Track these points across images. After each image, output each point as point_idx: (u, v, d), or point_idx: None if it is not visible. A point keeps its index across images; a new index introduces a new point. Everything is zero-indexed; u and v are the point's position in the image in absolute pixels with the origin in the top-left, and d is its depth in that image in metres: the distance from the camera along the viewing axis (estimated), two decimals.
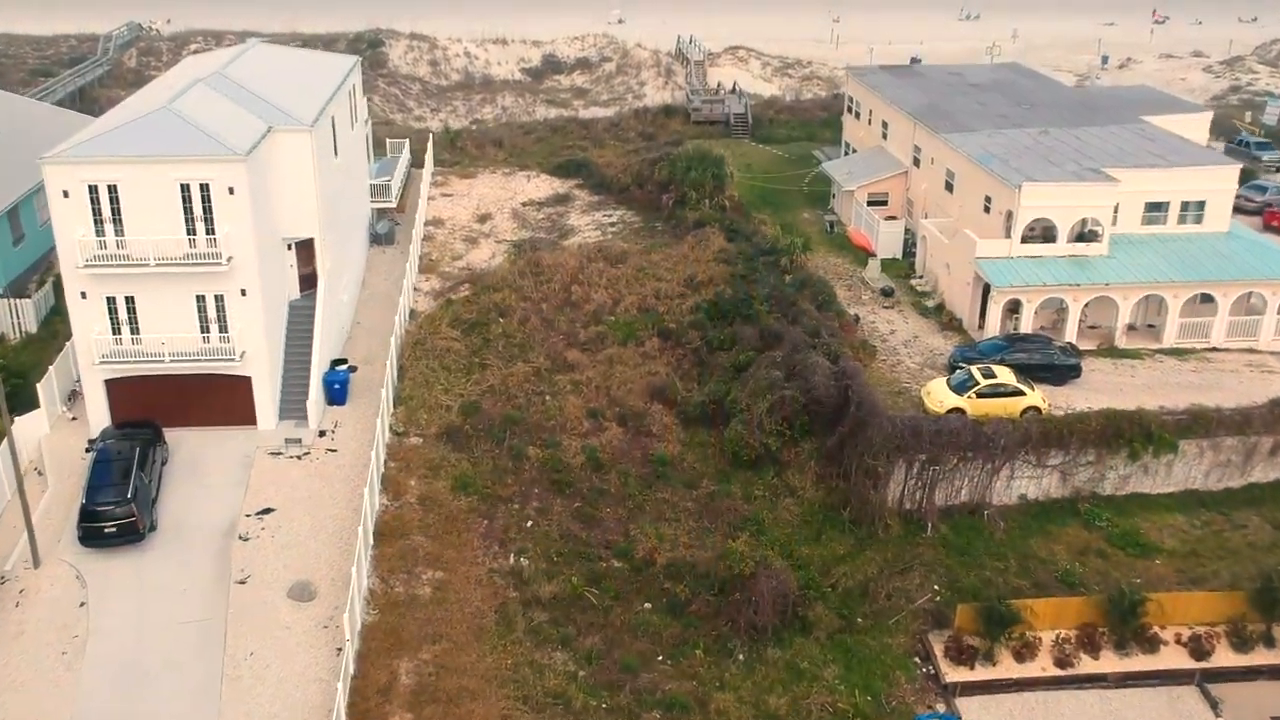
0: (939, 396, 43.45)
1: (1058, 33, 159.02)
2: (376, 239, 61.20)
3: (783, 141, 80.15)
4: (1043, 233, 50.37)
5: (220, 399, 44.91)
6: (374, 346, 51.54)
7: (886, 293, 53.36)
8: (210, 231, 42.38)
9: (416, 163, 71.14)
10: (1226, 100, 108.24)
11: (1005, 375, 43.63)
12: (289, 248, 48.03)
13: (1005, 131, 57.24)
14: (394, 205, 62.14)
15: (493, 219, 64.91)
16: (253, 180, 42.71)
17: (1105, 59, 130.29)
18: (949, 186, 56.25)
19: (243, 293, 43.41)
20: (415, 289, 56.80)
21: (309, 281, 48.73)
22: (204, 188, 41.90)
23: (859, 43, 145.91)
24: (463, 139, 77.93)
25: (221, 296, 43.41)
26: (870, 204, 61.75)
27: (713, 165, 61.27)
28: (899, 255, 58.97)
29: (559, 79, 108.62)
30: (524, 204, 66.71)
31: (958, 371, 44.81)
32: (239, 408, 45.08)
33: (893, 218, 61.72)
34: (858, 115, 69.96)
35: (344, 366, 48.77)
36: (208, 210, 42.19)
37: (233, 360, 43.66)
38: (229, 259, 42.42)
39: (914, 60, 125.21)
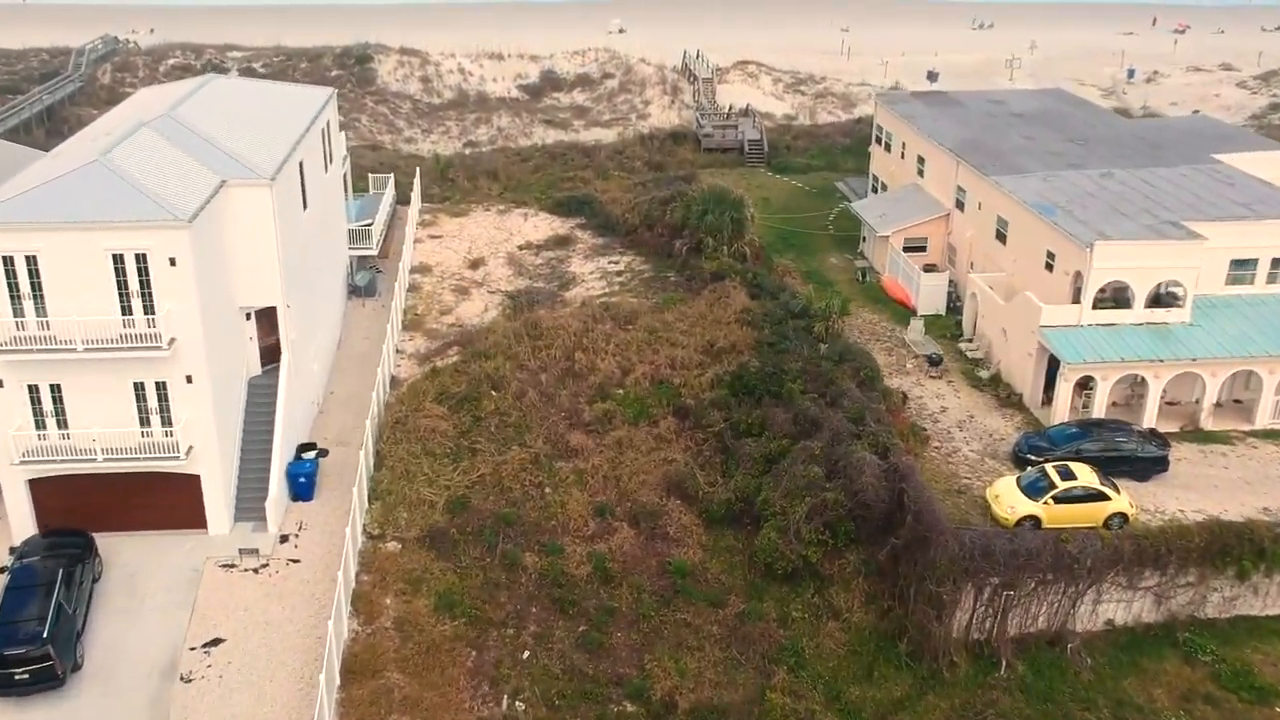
0: (1009, 500, 36.74)
1: (1075, 43, 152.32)
2: (355, 291, 54.52)
3: (801, 171, 73.45)
4: (1113, 294, 43.67)
5: (164, 500, 38.20)
6: (348, 422, 44.89)
7: (934, 361, 46.65)
8: (149, 309, 35.65)
9: (403, 198, 64.46)
10: (1268, 119, 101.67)
11: (1086, 475, 36.93)
12: (248, 317, 41.34)
13: (1063, 174, 50.51)
14: (375, 253, 55.39)
15: (486, 265, 58.20)
16: (200, 247, 35.99)
17: (1131, 72, 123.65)
18: (1001, 236, 49.55)
19: (188, 379, 36.69)
20: (398, 350, 50.13)
21: (272, 354, 42.04)
22: (140, 258, 35.18)
23: (870, 54, 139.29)
24: (454, 170, 71.15)
25: (163, 384, 36.69)
26: (906, 250, 55.07)
27: (732, 208, 54.56)
28: (942, 311, 52.29)
29: (558, 96, 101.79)
30: (521, 247, 60.01)
31: (1029, 470, 38.10)
32: (186, 510, 38.37)
33: (932, 266, 55.02)
34: (888, 147, 63.25)
35: (312, 454, 42.05)
36: (145, 284, 35.47)
37: (177, 458, 36.94)
38: (171, 341, 35.71)
39: (931, 75, 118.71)
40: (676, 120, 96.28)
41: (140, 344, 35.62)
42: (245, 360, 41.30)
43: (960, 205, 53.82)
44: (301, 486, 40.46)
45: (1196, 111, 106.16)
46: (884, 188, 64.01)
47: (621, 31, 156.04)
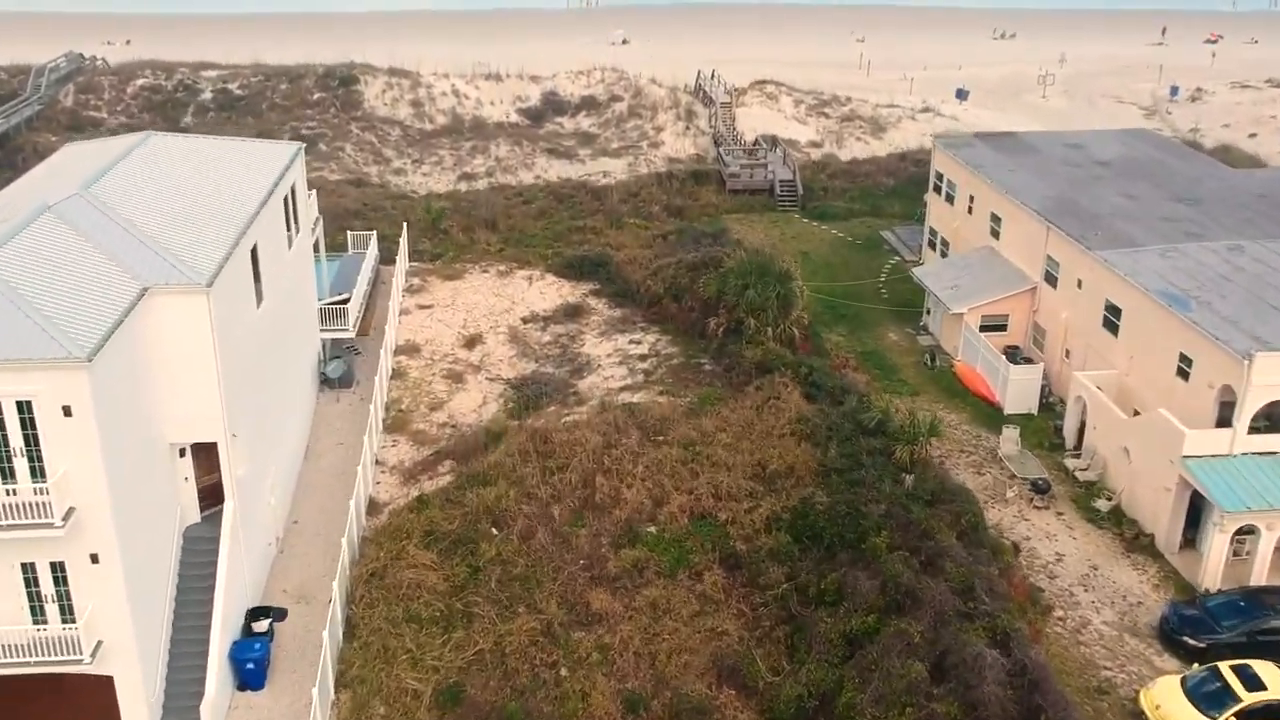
0: (1175, 714, 27.70)
1: (1104, 55, 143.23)
2: (328, 382, 45.36)
3: (841, 217, 64.40)
4: (1264, 412, 34.67)
5: (67, 707, 29.13)
6: (314, 565, 35.92)
7: (1040, 489, 37.55)
8: (39, 473, 26.53)
9: (388, 255, 55.35)
10: None
11: (1277, 682, 27.91)
12: (181, 453, 32.21)
13: (1182, 247, 41.45)
14: (352, 334, 46.22)
15: (484, 343, 49.07)
16: (108, 385, 26.88)
17: (1175, 90, 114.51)
18: (1111, 325, 40.49)
19: (93, 558, 27.57)
20: (377, 461, 41.02)
21: (214, 494, 32.92)
22: (24, 406, 26.05)
23: (890, 68, 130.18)
24: (447, 218, 61.88)
25: (61, 564, 27.57)
26: (984, 329, 46.03)
27: (777, 282, 45.38)
28: (1034, 410, 43.24)
29: (561, 121, 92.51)
30: (525, 320, 50.89)
31: (1197, 671, 29.08)
32: (97, 718, 29.29)
33: (1014, 348, 46.01)
34: (950, 198, 54.17)
35: (264, 623, 32.93)
36: (32, 440, 26.34)
37: (81, 659, 27.81)
38: (68, 513, 26.59)
39: (960, 94, 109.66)
40: (692, 148, 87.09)
41: (25, 518, 26.49)
42: (178, 509, 32.15)
43: (1051, 279, 44.74)
44: (250, 674, 31.40)
45: (1253, 135, 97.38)
46: (944, 244, 54.97)
47: (625, 42, 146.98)
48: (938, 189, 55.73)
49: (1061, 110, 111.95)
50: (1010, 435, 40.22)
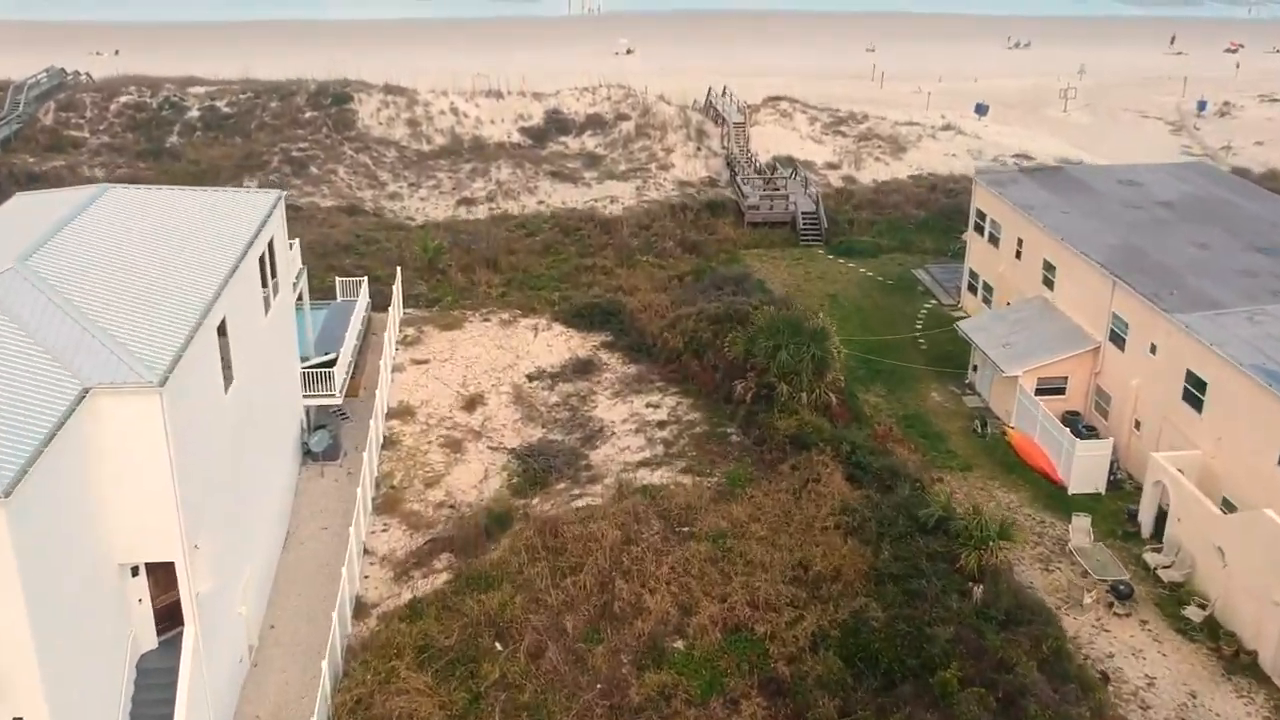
0: None
1: (1123, 64, 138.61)
2: (311, 455, 40.59)
3: (869, 254, 59.64)
4: None
5: None
6: (291, 685, 31.15)
7: (1121, 593, 32.74)
8: None
9: (381, 300, 50.61)
10: None
11: None
12: (134, 572, 27.45)
13: (1273, 310, 36.72)
14: (339, 400, 41.44)
15: (485, 404, 44.29)
16: (36, 515, 22.15)
17: (1203, 104, 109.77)
18: (1193, 400, 35.75)
19: None
20: (366, 550, 36.28)
21: (171, 616, 28.17)
22: None
23: (904, 80, 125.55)
24: (444, 257, 57.04)
25: None
26: (1040, 392, 41.31)
27: (811, 341, 40.56)
28: (1102, 489, 38.49)
29: (565, 141, 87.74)
30: (531, 377, 46.10)
31: None
32: None
33: (1074, 414, 41.34)
34: (994, 240, 49.43)
35: None
36: None
37: None
38: None
39: (980, 109, 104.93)
40: (703, 170, 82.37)
41: None
42: (130, 636, 27.37)
43: (1118, 340, 39.98)
44: None
45: None
46: (987, 289, 50.23)
47: (629, 52, 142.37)
48: (979, 228, 50.97)
49: (1084, 126, 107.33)
50: (1081, 525, 35.45)
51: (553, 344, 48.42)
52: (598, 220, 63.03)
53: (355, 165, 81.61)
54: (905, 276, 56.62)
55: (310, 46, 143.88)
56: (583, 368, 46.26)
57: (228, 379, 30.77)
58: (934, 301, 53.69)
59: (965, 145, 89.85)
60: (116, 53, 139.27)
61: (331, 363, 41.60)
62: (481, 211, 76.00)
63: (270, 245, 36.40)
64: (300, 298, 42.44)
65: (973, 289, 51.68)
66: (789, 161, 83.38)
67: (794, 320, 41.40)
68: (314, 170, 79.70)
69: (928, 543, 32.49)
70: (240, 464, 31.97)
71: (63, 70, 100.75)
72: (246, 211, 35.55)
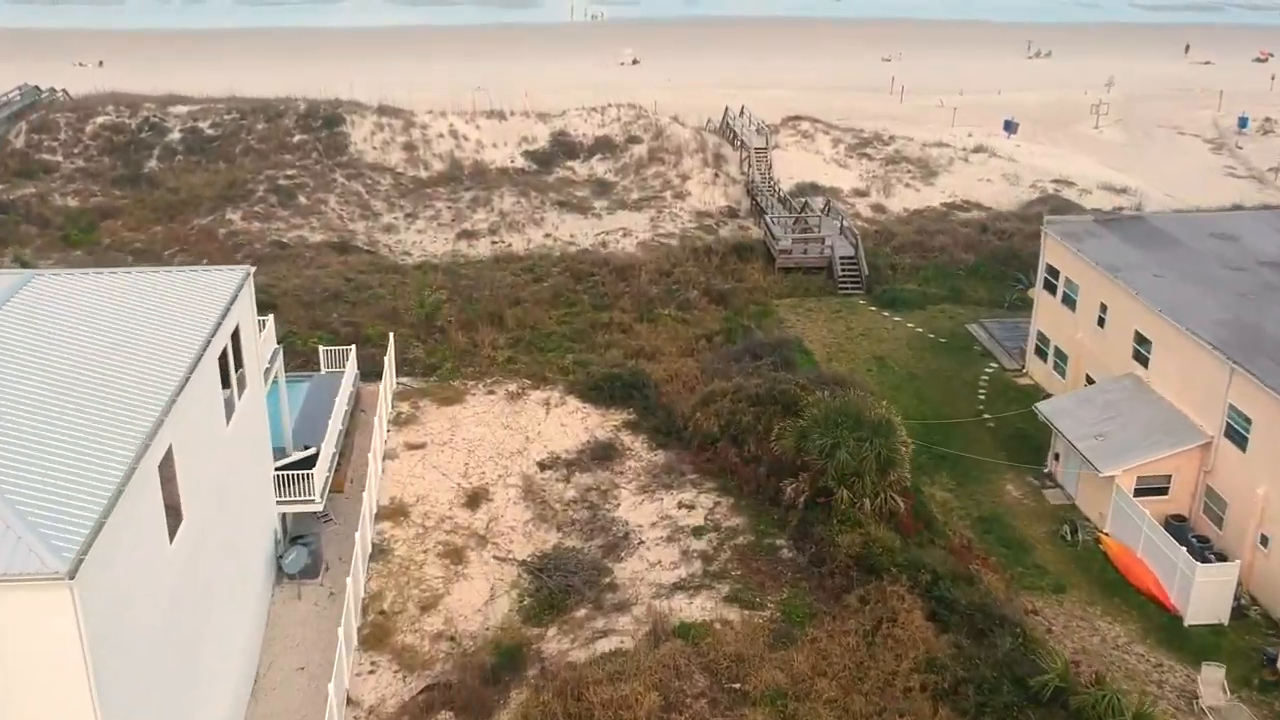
0: None
1: (1150, 76, 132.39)
2: (286, 574, 34.30)
3: (916, 305, 53.38)
4: None
5: None
6: None
7: None
8: None
9: (371, 368, 44.34)
10: None
11: None
12: None
13: None
14: (319, 505, 35.12)
15: (491, 499, 38.01)
16: None
17: (1244, 121, 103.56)
18: None
19: None
20: (351, 701, 30.03)
21: None
22: None
23: (924, 92, 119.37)
24: (443, 311, 50.68)
25: None
26: (1140, 493, 35.10)
27: (875, 436, 34.26)
28: (1225, 619, 32.29)
29: (573, 166, 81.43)
30: (542, 464, 39.80)
31: None
32: None
33: (1179, 520, 35.16)
34: (1069, 302, 43.19)
35: None
36: None
37: None
38: None
39: (1009, 126, 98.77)
40: (722, 199, 76.15)
41: None
42: None
43: (1237, 437, 33.75)
44: None
45: None
46: (1060, 356, 44.02)
47: (635, 63, 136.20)
48: (1050, 286, 44.71)
49: (1119, 144, 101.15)
50: (1214, 677, 29.22)
51: (567, 423, 42.11)
52: (612, 266, 56.65)
53: (347, 194, 75.37)
54: (959, 333, 50.37)
55: (301, 56, 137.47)
56: (603, 453, 39.99)
57: (174, 523, 24.50)
58: (995, 365, 47.46)
59: (1000, 169, 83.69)
60: (100, 64, 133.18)
61: (311, 460, 35.33)
62: (483, 246, 69.88)
63: (235, 336, 30.10)
64: (275, 380, 36.12)
65: (1041, 354, 45.45)
66: (813, 189, 77.23)
67: (853, 410, 35.08)
68: (302, 200, 73.46)
69: (1029, 706, 26.19)
70: (192, 614, 25.72)
71: (36, 88, 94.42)
72: (204, 300, 29.22)
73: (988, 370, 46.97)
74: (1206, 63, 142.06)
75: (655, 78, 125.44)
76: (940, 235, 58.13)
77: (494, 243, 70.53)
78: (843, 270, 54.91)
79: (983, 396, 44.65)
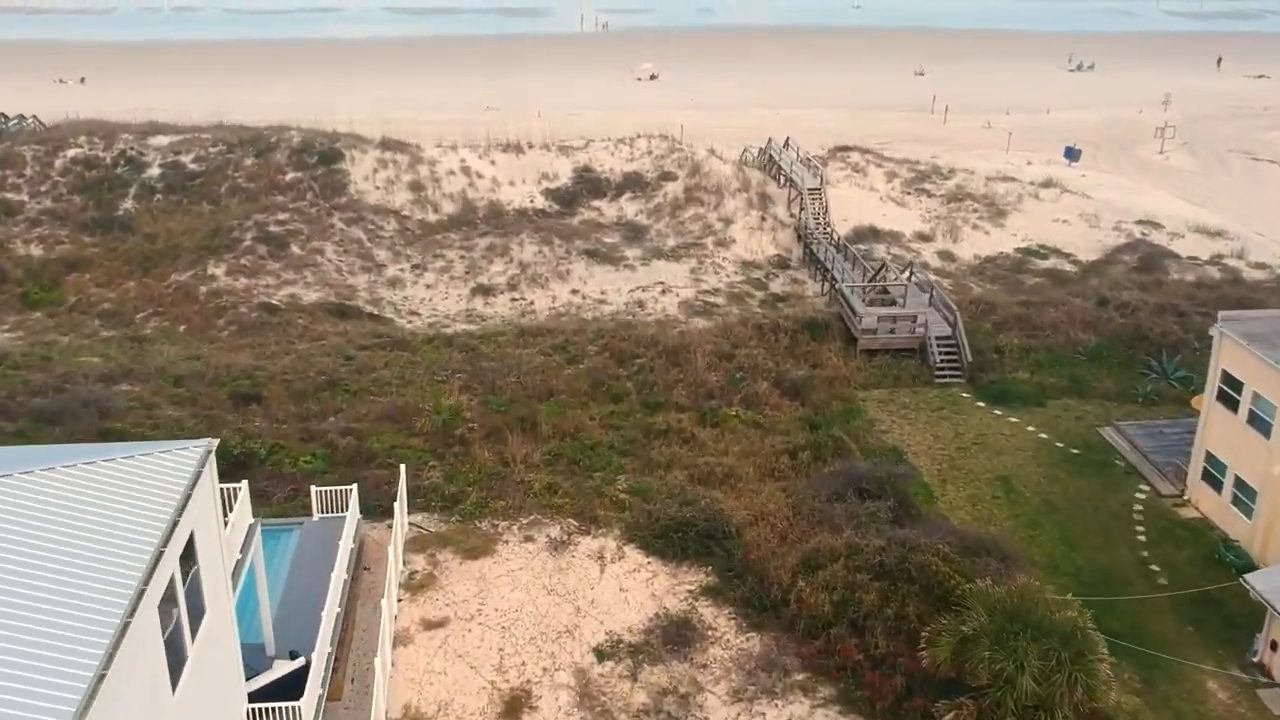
0: None
1: (1202, 90, 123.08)
2: None
3: (1031, 400, 43.88)
4: None
5: None
6: None
7: None
8: None
9: (375, 503, 34.94)
10: None
11: None
12: None
13: None
14: None
15: (536, 708, 28.51)
16: None
17: None
18: None
19: None
20: None
21: None
22: None
23: (968, 112, 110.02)
24: (463, 418, 41.07)
25: None
26: None
27: (1066, 650, 24.84)
28: None
29: (600, 207, 71.99)
30: (600, 651, 30.30)
31: None
32: None
33: None
34: (1260, 424, 33.71)
35: None
36: None
37: None
38: None
39: (1070, 153, 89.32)
40: (771, 247, 66.85)
41: None
42: None
43: None
44: None
45: None
46: (1240, 487, 34.60)
47: (654, 78, 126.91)
48: (1227, 399, 35.27)
49: (1190, 172, 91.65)
50: None
51: (628, 586, 32.61)
52: (661, 346, 47.09)
53: (346, 242, 65.92)
54: (1093, 441, 40.90)
55: (298, 70, 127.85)
56: (678, 635, 30.52)
57: None
58: (1146, 488, 38.03)
59: (1075, 207, 74.34)
60: (82, 80, 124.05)
61: (299, 679, 25.86)
62: (502, 304, 60.66)
63: (190, 545, 20.63)
64: (253, 572, 26.61)
65: (1212, 481, 36.04)
66: (872, 233, 67.83)
67: (1032, 612, 25.61)
68: (295, 250, 64.03)
69: None
70: None
71: (4, 116, 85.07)
72: (147, 502, 19.73)
73: (1139, 495, 37.55)
74: (1261, 76, 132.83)
75: (677, 96, 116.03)
76: (1048, 308, 48.54)
77: (514, 299, 61.34)
78: (941, 355, 45.41)
79: (1142, 537, 35.23)
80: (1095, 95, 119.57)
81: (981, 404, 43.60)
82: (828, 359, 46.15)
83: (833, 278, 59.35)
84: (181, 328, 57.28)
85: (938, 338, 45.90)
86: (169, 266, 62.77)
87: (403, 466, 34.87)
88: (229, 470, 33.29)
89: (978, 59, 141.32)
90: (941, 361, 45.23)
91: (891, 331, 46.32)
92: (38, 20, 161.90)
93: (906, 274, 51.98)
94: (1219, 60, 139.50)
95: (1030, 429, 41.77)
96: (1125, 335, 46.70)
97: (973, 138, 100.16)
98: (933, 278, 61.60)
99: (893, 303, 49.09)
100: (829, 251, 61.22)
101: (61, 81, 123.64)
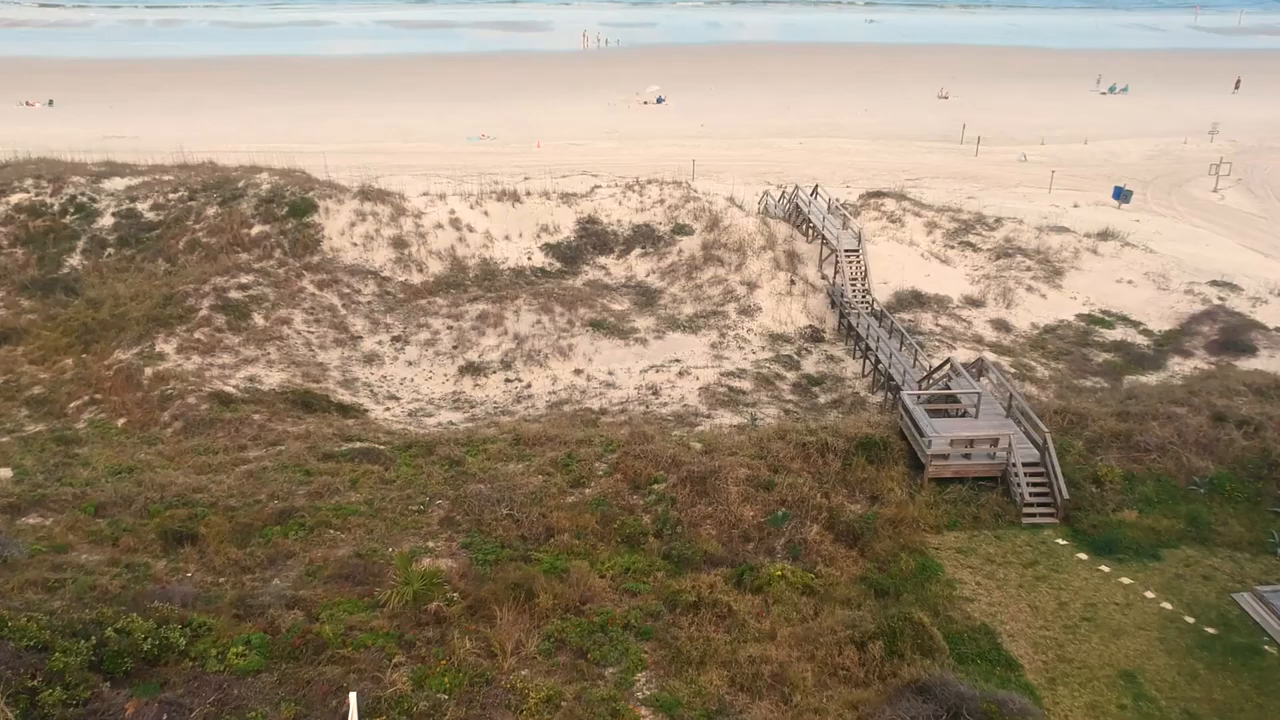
0: None
1: (1248, 119, 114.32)
2: None
3: (1144, 550, 35.04)
4: None
5: None
6: None
7: None
8: None
9: None
10: None
11: None
12: None
13: None
14: None
15: None
16: None
17: None
18: None
19: None
20: None
21: None
22: None
23: (999, 141, 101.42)
24: (441, 589, 32.33)
25: None
26: None
27: None
28: None
29: (606, 265, 63.34)
30: None
31: None
32: None
33: None
34: None
35: None
36: None
37: None
38: None
39: (1121, 194, 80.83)
40: (801, 315, 58.22)
41: None
42: None
43: None
44: None
45: None
46: None
47: (660, 101, 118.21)
48: None
49: (1251, 214, 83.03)
50: None
51: None
52: (685, 472, 38.33)
53: (317, 309, 57.30)
54: (1230, 614, 32.22)
55: (284, 87, 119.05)
56: None
57: None
58: None
59: (1139, 263, 65.68)
60: (50, 103, 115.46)
61: None
62: (494, 386, 52.25)
63: None
64: None
65: None
66: (914, 298, 59.27)
67: None
68: (258, 320, 55.46)
69: None
70: None
71: None
72: None
73: None
74: None
75: (686, 122, 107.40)
76: (1153, 423, 39.82)
77: (508, 380, 52.89)
78: (1030, 487, 36.67)
79: None
80: (1132, 122, 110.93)
81: (1083, 555, 34.91)
82: (889, 489, 37.43)
83: (876, 359, 50.82)
84: (120, 421, 48.68)
85: (1024, 464, 37.16)
86: (113, 340, 54.19)
87: (353, 697, 26.05)
88: (139, 669, 25.40)
89: (1001, 79, 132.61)
90: (1033, 496, 36.50)
91: (967, 457, 37.59)
92: (7, 35, 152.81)
93: (975, 369, 43.17)
94: (1237, 82, 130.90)
95: (1149, 595, 33.08)
96: (1250, 462, 37.93)
97: (1009, 172, 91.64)
98: (990, 355, 53.12)
99: (962, 413, 40.38)
100: (870, 325, 52.71)
101: (28, 104, 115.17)
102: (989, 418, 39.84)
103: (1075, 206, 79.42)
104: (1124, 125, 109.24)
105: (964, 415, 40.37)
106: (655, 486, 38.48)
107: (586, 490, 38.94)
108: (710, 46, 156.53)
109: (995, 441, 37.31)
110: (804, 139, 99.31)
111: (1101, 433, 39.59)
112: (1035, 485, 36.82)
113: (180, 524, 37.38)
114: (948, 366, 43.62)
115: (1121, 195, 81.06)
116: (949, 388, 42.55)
